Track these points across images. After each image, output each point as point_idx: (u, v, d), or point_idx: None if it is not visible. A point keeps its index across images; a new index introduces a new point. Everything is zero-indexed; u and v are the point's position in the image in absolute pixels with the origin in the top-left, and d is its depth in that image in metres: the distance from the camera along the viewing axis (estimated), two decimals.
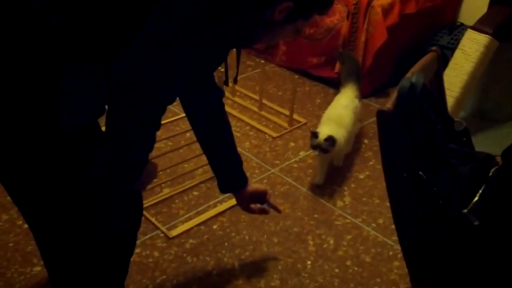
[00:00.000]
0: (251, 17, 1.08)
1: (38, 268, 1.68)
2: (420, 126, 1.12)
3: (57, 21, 0.92)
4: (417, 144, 1.11)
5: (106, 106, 1.08)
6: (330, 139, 1.96)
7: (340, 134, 2.02)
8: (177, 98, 1.25)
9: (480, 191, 1.15)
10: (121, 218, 1.18)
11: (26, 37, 0.91)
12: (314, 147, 1.99)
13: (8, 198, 1.08)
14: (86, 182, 1.08)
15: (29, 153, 1.01)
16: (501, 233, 1.10)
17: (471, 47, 2.28)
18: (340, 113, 2.15)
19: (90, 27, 0.98)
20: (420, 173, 1.10)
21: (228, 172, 1.52)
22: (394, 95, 1.09)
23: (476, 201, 1.13)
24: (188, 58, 1.04)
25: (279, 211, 1.69)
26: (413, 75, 1.11)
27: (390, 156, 1.11)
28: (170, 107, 1.86)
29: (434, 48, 1.35)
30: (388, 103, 1.07)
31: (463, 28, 2.93)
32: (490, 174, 1.18)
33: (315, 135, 1.99)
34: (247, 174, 2.19)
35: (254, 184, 1.60)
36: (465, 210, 1.12)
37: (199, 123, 1.45)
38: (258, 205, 1.59)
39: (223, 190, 1.56)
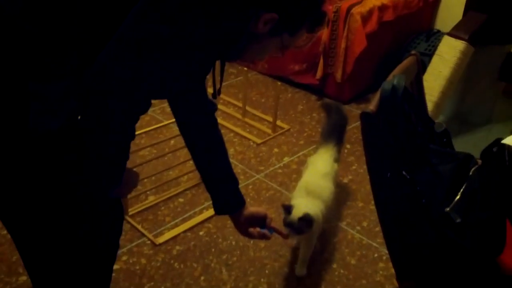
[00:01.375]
0: (233, 25, 1.06)
1: (23, 278, 1.66)
2: (401, 127, 1.16)
3: (28, 24, 0.92)
4: (399, 145, 1.15)
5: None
6: (307, 219, 1.58)
7: (318, 210, 1.67)
8: (153, 105, 1.24)
9: (462, 189, 1.19)
10: (102, 223, 1.17)
11: None
12: (286, 224, 1.59)
13: None
14: (67, 187, 1.07)
15: (3, 157, 1.00)
16: (482, 229, 1.13)
17: (448, 53, 2.35)
18: (319, 184, 1.77)
19: (62, 31, 0.97)
20: (404, 172, 1.13)
21: (224, 192, 1.39)
22: (376, 97, 1.12)
23: (458, 199, 1.17)
24: (164, 66, 1.02)
25: (285, 237, 1.49)
26: (395, 77, 1.14)
27: (374, 156, 1.14)
28: (153, 115, 1.84)
29: (413, 52, 1.39)
30: (371, 105, 1.10)
31: (439, 34, 3.01)
32: (471, 173, 1.22)
33: (287, 209, 1.61)
34: None
35: (253, 208, 1.43)
36: (448, 208, 1.16)
37: (191, 139, 1.35)
38: (258, 229, 1.40)
39: (218, 212, 1.41)
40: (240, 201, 1.39)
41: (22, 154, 1.00)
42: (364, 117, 1.09)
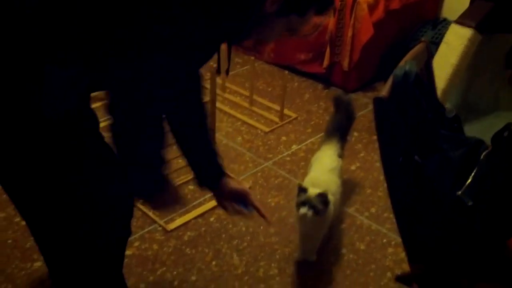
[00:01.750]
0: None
1: (38, 264, 1.69)
2: (412, 112, 1.17)
3: (40, 9, 0.94)
4: (411, 130, 1.16)
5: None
6: (323, 196, 1.55)
7: (331, 201, 1.63)
8: None
9: (473, 173, 1.21)
10: (114, 206, 1.19)
11: (8, 23, 0.93)
12: (302, 203, 1.55)
13: (4, 196, 1.09)
14: (80, 173, 1.09)
15: (16, 140, 1.02)
16: (493, 212, 1.15)
17: (455, 41, 2.36)
18: (326, 179, 1.75)
19: (74, 16, 0.99)
20: (416, 157, 1.15)
21: (201, 165, 1.35)
22: (389, 83, 1.13)
23: (469, 183, 1.19)
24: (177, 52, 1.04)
25: (267, 220, 1.42)
26: (406, 63, 1.16)
27: (386, 141, 1.16)
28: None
29: (423, 39, 1.40)
30: (384, 91, 1.12)
31: (446, 23, 3.00)
32: (481, 157, 1.24)
33: (303, 189, 1.56)
34: (241, 167, 2.24)
35: (234, 182, 1.35)
36: (459, 192, 1.18)
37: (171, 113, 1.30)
38: (235, 206, 1.35)
39: (199, 184, 1.36)
40: (217, 174, 1.33)
41: (31, 137, 1.02)
42: (377, 102, 1.11)
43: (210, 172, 1.34)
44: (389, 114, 1.12)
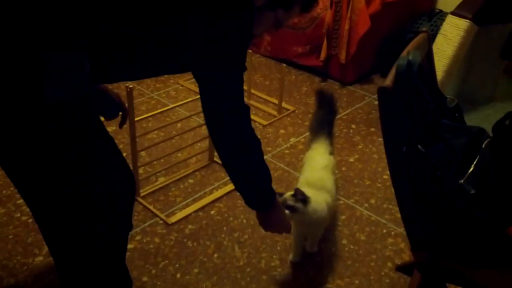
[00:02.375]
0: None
1: (40, 258, 1.69)
2: (415, 102, 1.18)
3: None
4: (414, 119, 1.17)
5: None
6: (299, 194, 1.55)
7: (323, 200, 1.64)
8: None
9: (475, 162, 1.22)
10: (114, 192, 1.19)
11: (9, 10, 0.93)
12: (281, 203, 1.54)
13: (4, 192, 1.09)
14: (80, 161, 1.09)
15: (18, 129, 1.02)
16: (495, 200, 1.17)
17: (452, 32, 2.37)
18: (320, 176, 1.74)
19: (74, 3, 1.00)
20: (419, 146, 1.16)
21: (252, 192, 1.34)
22: (392, 72, 1.14)
23: (471, 171, 1.20)
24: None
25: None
26: (409, 53, 1.16)
27: (390, 130, 1.17)
28: (159, 98, 1.88)
29: (425, 29, 1.40)
30: (388, 80, 1.12)
31: (442, 14, 3.02)
32: (483, 146, 1.25)
33: (280, 195, 1.57)
34: None
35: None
36: (462, 180, 1.19)
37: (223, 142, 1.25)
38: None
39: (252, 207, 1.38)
40: (266, 203, 1.36)
41: (32, 124, 1.02)
42: (381, 92, 1.11)
43: (259, 200, 1.36)
44: (393, 103, 1.12)
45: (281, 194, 1.57)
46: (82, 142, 1.10)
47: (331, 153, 1.86)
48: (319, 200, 1.61)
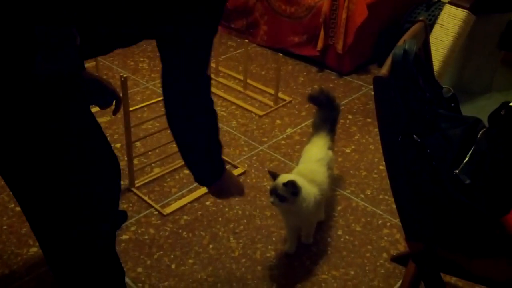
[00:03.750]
0: None
1: (34, 249, 1.68)
2: (412, 91, 1.17)
3: None
4: (409, 109, 1.16)
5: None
6: (291, 185, 1.53)
7: (311, 193, 1.62)
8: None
9: (470, 152, 1.21)
10: (100, 176, 1.17)
11: None
12: (270, 191, 1.56)
13: None
14: (68, 141, 1.08)
15: (8, 105, 1.00)
16: (490, 190, 1.16)
17: (450, 22, 2.35)
18: (313, 169, 1.73)
19: None
20: (414, 136, 1.15)
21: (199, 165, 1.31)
22: (388, 61, 1.13)
23: (467, 161, 1.19)
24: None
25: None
26: (406, 42, 1.15)
27: (385, 120, 1.16)
28: (154, 88, 1.86)
29: (421, 18, 1.39)
30: (384, 69, 1.11)
31: (440, 4, 2.99)
32: (479, 136, 1.24)
33: (273, 176, 1.59)
34: (236, 151, 2.24)
35: (230, 182, 1.39)
36: (457, 171, 1.18)
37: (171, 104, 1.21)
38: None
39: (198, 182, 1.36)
40: (216, 173, 1.33)
41: (23, 99, 1.01)
42: (377, 81, 1.10)
43: (208, 172, 1.32)
44: (389, 93, 1.11)
45: (275, 176, 1.58)
46: (78, 139, 1.09)
47: (330, 148, 1.85)
48: (306, 192, 1.59)
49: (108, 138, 2.10)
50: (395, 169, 1.20)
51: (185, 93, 1.17)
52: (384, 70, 1.10)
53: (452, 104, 1.35)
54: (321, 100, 1.94)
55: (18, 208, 1.82)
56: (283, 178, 1.57)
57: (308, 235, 1.76)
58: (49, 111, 1.04)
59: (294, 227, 1.71)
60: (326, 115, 1.92)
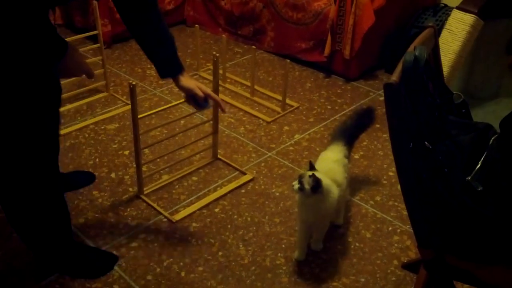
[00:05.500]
0: None
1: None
2: (422, 98, 1.16)
3: None
4: (420, 115, 1.15)
5: None
6: (313, 178, 1.54)
7: (334, 192, 1.63)
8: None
9: (482, 158, 1.20)
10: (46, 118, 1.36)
11: None
12: (298, 177, 1.58)
13: None
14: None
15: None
16: (503, 197, 1.15)
17: (458, 27, 2.34)
18: (331, 167, 1.74)
19: None
20: (426, 143, 1.14)
21: (162, 58, 1.58)
22: (399, 68, 1.12)
23: (479, 168, 1.18)
24: None
25: (221, 108, 1.76)
26: (416, 48, 1.15)
27: (396, 127, 1.15)
28: (162, 95, 1.91)
29: (431, 24, 1.38)
30: (394, 76, 1.10)
31: (447, 9, 2.99)
32: (490, 142, 1.23)
33: (310, 165, 1.65)
34: (244, 158, 2.24)
35: (184, 81, 1.63)
36: (469, 177, 1.17)
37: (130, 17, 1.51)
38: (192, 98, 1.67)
39: (160, 75, 1.62)
40: (175, 68, 1.61)
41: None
42: (387, 88, 1.10)
43: (170, 67, 1.60)
44: (399, 99, 1.11)
45: (311, 167, 1.62)
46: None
47: (346, 157, 1.84)
48: (329, 190, 1.60)
49: (116, 145, 2.14)
50: (406, 175, 1.20)
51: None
52: (394, 77, 1.10)
53: (463, 110, 1.35)
54: (364, 112, 1.99)
55: None
56: (314, 172, 1.58)
57: (318, 240, 1.75)
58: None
59: (306, 232, 1.71)
60: (351, 128, 1.93)
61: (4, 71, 1.18)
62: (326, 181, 1.60)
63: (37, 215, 1.46)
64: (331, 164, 1.77)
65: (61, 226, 1.55)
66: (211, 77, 2.61)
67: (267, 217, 1.90)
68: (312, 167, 1.63)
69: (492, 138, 1.24)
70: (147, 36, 1.52)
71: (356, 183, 2.10)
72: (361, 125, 1.97)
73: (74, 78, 1.51)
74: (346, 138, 1.88)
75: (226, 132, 2.39)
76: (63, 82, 2.49)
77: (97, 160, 2.17)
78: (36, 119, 1.31)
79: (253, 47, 2.62)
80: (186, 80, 1.62)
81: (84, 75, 1.37)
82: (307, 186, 1.54)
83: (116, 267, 1.66)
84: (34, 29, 1.15)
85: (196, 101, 1.65)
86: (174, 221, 1.86)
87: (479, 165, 1.19)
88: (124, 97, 2.63)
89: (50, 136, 1.41)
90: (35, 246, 1.56)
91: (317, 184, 1.54)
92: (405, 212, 1.94)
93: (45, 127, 1.36)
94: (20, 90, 1.24)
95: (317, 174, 1.57)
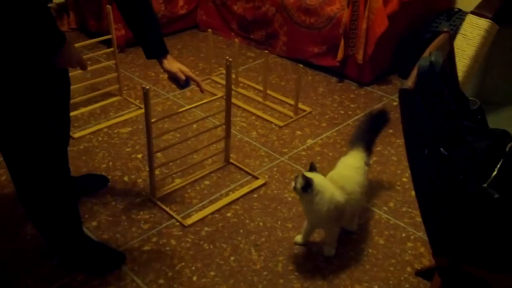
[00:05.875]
0: None
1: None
2: (438, 104, 1.15)
3: None
4: (436, 122, 1.14)
5: None
6: (305, 180, 1.59)
7: (331, 198, 1.63)
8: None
9: (498, 165, 1.18)
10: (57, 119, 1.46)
11: None
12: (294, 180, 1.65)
13: None
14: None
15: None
16: None
17: (472, 32, 2.32)
18: (345, 175, 1.75)
19: None
20: (441, 149, 1.13)
21: (148, 40, 1.68)
22: (414, 73, 1.11)
23: (495, 175, 1.17)
24: None
25: (201, 88, 1.81)
26: (432, 54, 1.14)
27: (411, 133, 1.14)
28: (175, 99, 1.94)
29: (446, 29, 1.37)
30: (409, 81, 1.10)
31: (461, 14, 2.97)
32: (507, 149, 1.22)
33: (311, 166, 1.69)
34: (256, 162, 2.23)
35: (168, 64, 1.72)
36: (485, 184, 1.15)
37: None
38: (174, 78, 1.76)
39: (146, 56, 1.71)
40: (161, 51, 1.70)
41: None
42: (402, 93, 1.09)
43: (156, 49, 1.70)
44: (415, 105, 1.10)
45: (312, 168, 1.67)
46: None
47: (367, 164, 1.84)
48: (323, 194, 1.61)
49: (129, 149, 2.15)
50: (421, 182, 1.19)
51: None
52: (409, 83, 1.09)
53: (479, 117, 1.33)
54: (376, 114, 1.98)
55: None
56: (309, 173, 1.64)
57: (328, 245, 1.74)
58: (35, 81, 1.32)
59: (310, 226, 1.77)
60: (366, 133, 1.92)
61: (4, 61, 1.24)
62: (322, 182, 1.63)
63: (46, 204, 1.52)
64: (348, 171, 1.77)
65: (70, 217, 1.61)
66: (223, 82, 2.62)
67: (279, 222, 1.90)
68: (312, 168, 1.67)
69: (509, 145, 1.22)
70: (137, 20, 1.64)
71: (369, 188, 2.08)
72: (377, 128, 1.96)
73: (76, 70, 1.63)
74: (365, 144, 1.87)
75: (238, 137, 2.39)
76: (77, 86, 2.53)
77: (110, 163, 2.18)
78: (39, 110, 1.35)
79: (266, 51, 2.62)
80: (169, 64, 1.73)
81: (78, 67, 1.44)
82: (298, 185, 1.60)
83: (128, 271, 1.67)
84: (35, 19, 1.21)
85: (177, 81, 1.77)
86: (186, 225, 1.86)
87: (495, 172, 1.17)
88: (137, 101, 2.64)
89: (55, 129, 1.46)
90: (49, 236, 1.62)
91: (307, 183, 1.59)
92: (418, 219, 1.92)
93: (49, 119, 1.40)
94: (20, 81, 1.29)
95: (310, 174, 1.62)
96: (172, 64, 1.74)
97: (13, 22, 1.18)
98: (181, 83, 1.76)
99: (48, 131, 1.41)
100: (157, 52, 1.71)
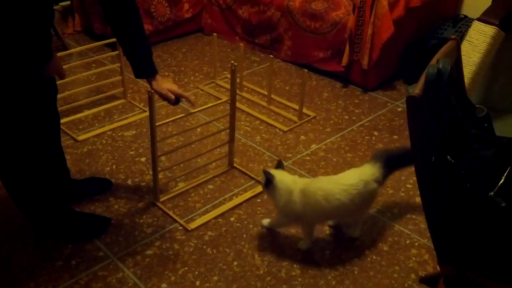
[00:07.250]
0: None
1: (60, 263, 1.68)
2: (445, 111, 1.15)
3: None
4: (443, 129, 1.14)
5: None
6: (266, 176, 1.67)
7: (290, 195, 1.67)
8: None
9: (505, 174, 1.18)
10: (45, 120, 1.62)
11: None
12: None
13: None
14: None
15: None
16: None
17: (479, 39, 2.32)
18: (320, 187, 1.70)
19: None
20: (448, 157, 1.13)
21: (138, 60, 1.71)
22: (421, 81, 1.11)
23: (502, 183, 1.16)
24: None
25: (191, 102, 1.84)
26: (440, 61, 1.13)
27: (418, 140, 1.13)
28: (180, 103, 1.93)
29: (454, 36, 1.37)
30: (417, 89, 1.09)
31: (467, 20, 2.96)
32: None
33: (278, 163, 1.78)
34: (260, 167, 2.23)
35: (158, 84, 1.75)
36: (492, 193, 1.15)
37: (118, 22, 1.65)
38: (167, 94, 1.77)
39: (135, 75, 1.73)
40: (150, 71, 1.73)
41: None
42: (410, 100, 1.08)
43: (145, 68, 1.72)
44: (422, 113, 1.09)
45: (278, 165, 1.78)
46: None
47: (378, 181, 1.71)
48: (282, 190, 1.69)
49: (133, 152, 2.16)
50: (427, 189, 1.18)
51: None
52: (417, 90, 1.09)
53: (486, 124, 1.32)
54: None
55: None
56: (273, 170, 1.74)
57: (304, 239, 1.80)
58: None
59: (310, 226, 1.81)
60: (392, 156, 1.79)
61: (4, 65, 1.38)
62: (284, 180, 1.70)
63: (26, 177, 1.61)
64: (324, 183, 1.70)
65: (51, 191, 1.69)
66: (228, 85, 2.62)
67: (283, 227, 1.89)
68: (279, 165, 1.77)
69: None
70: (127, 38, 1.66)
71: None
72: (404, 160, 1.80)
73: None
74: (384, 161, 1.73)
75: (242, 141, 2.39)
76: (81, 88, 2.53)
77: (114, 166, 2.18)
78: (31, 108, 1.50)
79: (270, 56, 2.62)
80: (158, 84, 1.75)
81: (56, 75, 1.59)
82: (262, 181, 1.73)
83: (131, 275, 1.66)
84: (37, 38, 1.39)
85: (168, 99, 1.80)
86: (189, 229, 1.85)
87: (502, 181, 1.17)
88: (142, 104, 2.64)
89: (45, 124, 1.61)
90: (29, 212, 1.72)
91: (267, 180, 1.69)
92: (423, 225, 1.91)
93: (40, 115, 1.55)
94: (14, 84, 1.43)
95: (274, 171, 1.72)
96: (161, 84, 1.75)
97: (11, 41, 1.34)
98: (171, 102, 1.79)
99: (40, 126, 1.54)
100: (145, 72, 1.72)
